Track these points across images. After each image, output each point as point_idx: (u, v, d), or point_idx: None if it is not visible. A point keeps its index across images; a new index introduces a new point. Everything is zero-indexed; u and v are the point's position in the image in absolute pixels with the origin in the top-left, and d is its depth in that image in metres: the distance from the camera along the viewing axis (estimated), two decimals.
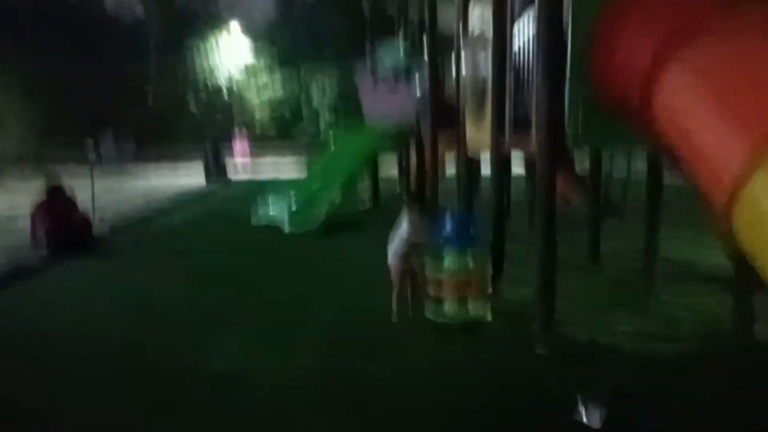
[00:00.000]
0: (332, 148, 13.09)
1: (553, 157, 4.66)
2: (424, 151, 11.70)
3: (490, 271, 5.47)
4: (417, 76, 10.96)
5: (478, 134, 6.97)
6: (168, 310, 6.29)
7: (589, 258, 7.39)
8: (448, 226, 5.38)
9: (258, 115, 27.36)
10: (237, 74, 27.22)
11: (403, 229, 5.46)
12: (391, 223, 5.63)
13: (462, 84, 7.20)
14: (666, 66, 3.59)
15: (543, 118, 4.65)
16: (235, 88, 27.12)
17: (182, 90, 26.90)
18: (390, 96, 12.41)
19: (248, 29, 27.81)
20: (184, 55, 26.83)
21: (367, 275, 7.27)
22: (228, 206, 14.77)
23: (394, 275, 5.53)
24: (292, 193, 11.74)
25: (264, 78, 27.11)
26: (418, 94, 10.85)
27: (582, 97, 4.51)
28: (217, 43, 26.86)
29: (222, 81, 27.07)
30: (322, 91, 26.50)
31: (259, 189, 17.59)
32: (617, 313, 5.68)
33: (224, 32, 27.09)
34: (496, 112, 5.98)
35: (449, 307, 5.38)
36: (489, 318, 5.39)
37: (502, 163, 6.15)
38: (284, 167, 25.30)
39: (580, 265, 7.13)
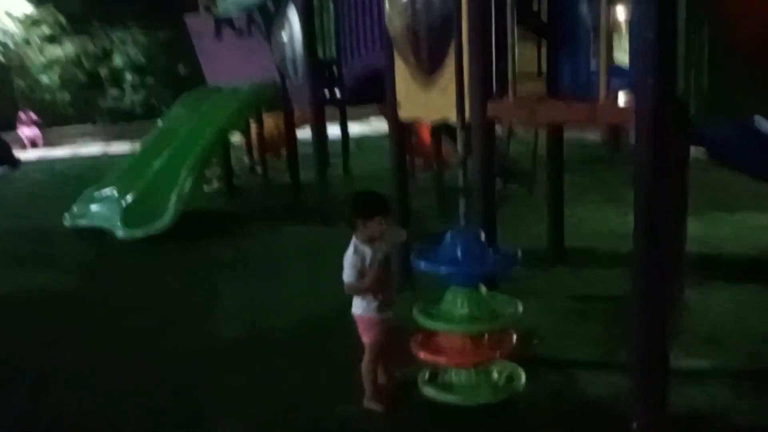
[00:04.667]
0: (167, 119, 10.12)
1: (667, 144, 2.77)
2: (291, 121, 9.44)
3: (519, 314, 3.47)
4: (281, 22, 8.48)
5: (421, 94, 4.88)
6: None
7: (552, 252, 5.72)
8: (453, 248, 3.30)
9: (47, 89, 23.12)
10: (15, 42, 22.76)
11: (364, 254, 3.26)
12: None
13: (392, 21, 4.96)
14: None
15: (646, 84, 2.75)
16: (13, 58, 22.60)
17: None
18: (239, 51, 9.86)
19: None
20: None
21: (267, 311, 5.01)
22: (21, 201, 11.17)
23: (368, 336, 3.34)
24: (121, 180, 8.71)
25: (51, 48, 22.91)
26: (283, 45, 8.43)
27: (710, 50, 2.72)
28: None
29: None
30: (125, 57, 23.00)
31: (64, 172, 14.06)
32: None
33: None
34: (479, 65, 3.98)
35: (458, 376, 3.37)
36: (522, 384, 3.43)
37: (488, 136, 4.16)
38: (84, 141, 21.31)
39: (541, 262, 5.45)
